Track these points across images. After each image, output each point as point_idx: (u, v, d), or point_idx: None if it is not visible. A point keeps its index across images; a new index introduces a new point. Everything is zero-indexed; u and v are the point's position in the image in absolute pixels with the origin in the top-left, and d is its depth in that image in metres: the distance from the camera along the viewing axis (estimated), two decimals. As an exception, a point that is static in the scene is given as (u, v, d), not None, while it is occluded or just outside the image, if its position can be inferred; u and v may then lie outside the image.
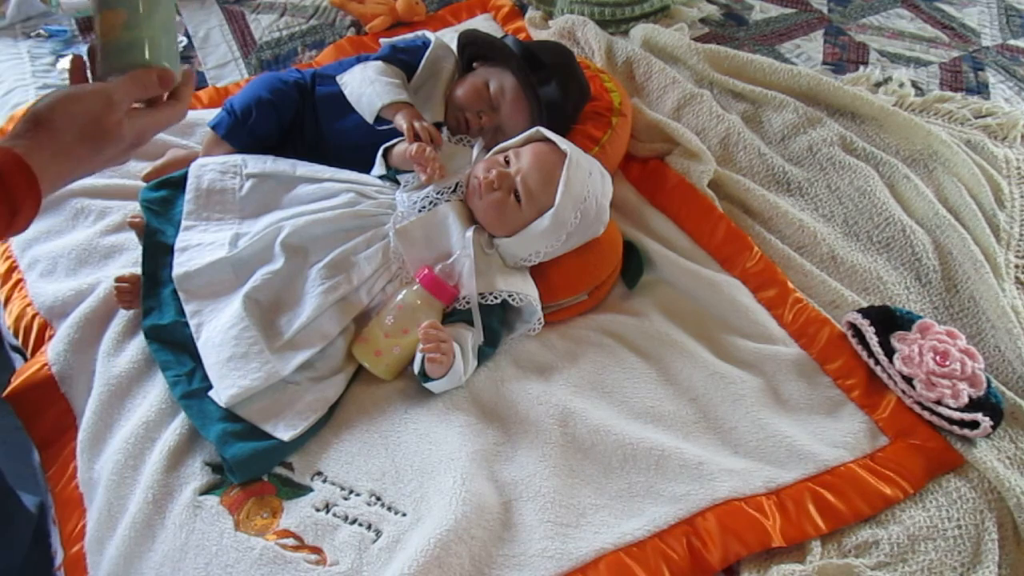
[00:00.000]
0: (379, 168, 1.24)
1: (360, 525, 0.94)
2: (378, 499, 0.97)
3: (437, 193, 1.17)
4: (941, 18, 1.93)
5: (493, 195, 1.13)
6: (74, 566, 0.95)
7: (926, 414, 1.09)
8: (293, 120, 1.31)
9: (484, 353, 1.12)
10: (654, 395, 1.11)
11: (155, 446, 1.00)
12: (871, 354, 1.14)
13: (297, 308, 1.08)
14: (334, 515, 0.95)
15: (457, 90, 1.31)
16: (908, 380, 1.11)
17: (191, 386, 1.03)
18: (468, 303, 1.11)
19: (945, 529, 0.99)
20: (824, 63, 1.77)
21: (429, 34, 1.42)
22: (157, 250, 1.13)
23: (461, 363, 1.06)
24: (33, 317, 1.16)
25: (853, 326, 1.17)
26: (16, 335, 1.18)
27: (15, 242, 1.26)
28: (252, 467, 0.97)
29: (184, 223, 1.14)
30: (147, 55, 0.79)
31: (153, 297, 1.11)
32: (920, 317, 1.18)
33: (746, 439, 1.07)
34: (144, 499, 0.95)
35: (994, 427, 1.07)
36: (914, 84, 1.70)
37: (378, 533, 0.93)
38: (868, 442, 1.07)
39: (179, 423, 1.01)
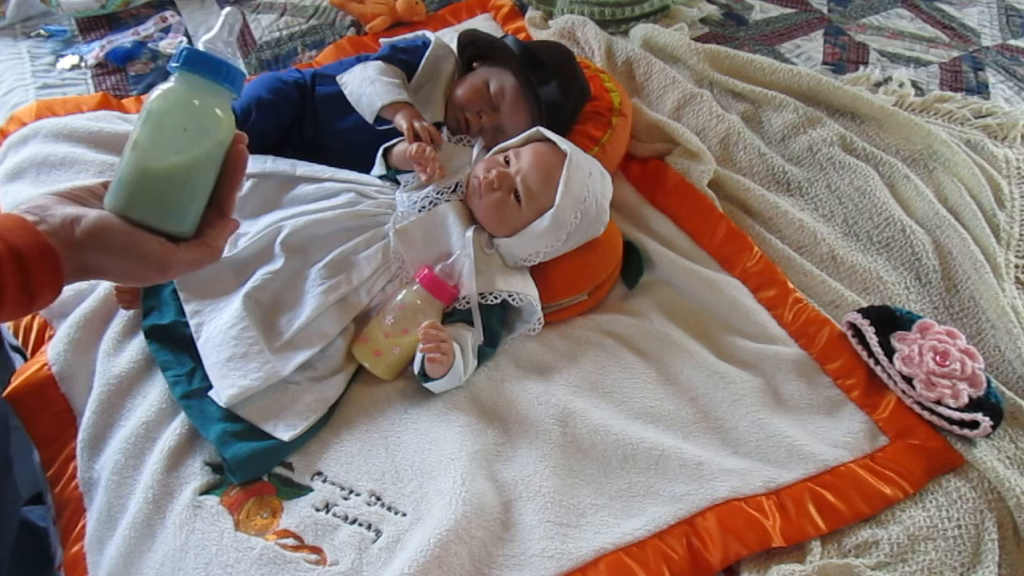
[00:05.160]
0: (379, 168, 1.24)
1: (360, 525, 0.94)
2: (378, 499, 0.97)
3: (437, 193, 1.17)
4: (941, 18, 1.93)
5: (493, 195, 1.13)
6: (74, 566, 0.94)
7: (926, 414, 1.09)
8: (293, 120, 1.31)
9: (484, 353, 1.12)
10: (654, 395, 1.11)
11: (155, 446, 1.00)
12: (871, 354, 1.14)
13: (297, 308, 1.08)
14: (334, 515, 0.95)
15: (457, 90, 1.31)
16: (908, 380, 1.11)
17: (191, 386, 1.03)
18: (468, 303, 1.11)
19: (945, 529, 0.99)
20: (824, 63, 1.77)
21: (429, 34, 1.42)
22: (157, 250, 1.12)
23: (461, 363, 1.05)
24: (33, 317, 1.16)
25: (853, 326, 1.17)
26: (16, 335, 1.18)
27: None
28: (252, 467, 0.97)
29: (184, 223, 1.14)
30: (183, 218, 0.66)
31: (153, 297, 1.11)
32: (920, 317, 1.18)
33: (746, 439, 1.07)
34: (144, 499, 0.95)
35: (994, 427, 1.07)
36: (914, 84, 1.69)
37: (378, 533, 0.93)
38: (868, 442, 1.07)
39: (179, 423, 1.01)
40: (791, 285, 1.25)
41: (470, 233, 1.13)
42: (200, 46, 0.66)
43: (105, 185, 0.66)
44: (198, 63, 0.65)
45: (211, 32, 0.67)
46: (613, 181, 1.26)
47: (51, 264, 0.61)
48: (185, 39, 1.73)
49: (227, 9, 0.70)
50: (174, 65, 0.66)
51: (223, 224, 0.69)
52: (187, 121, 0.65)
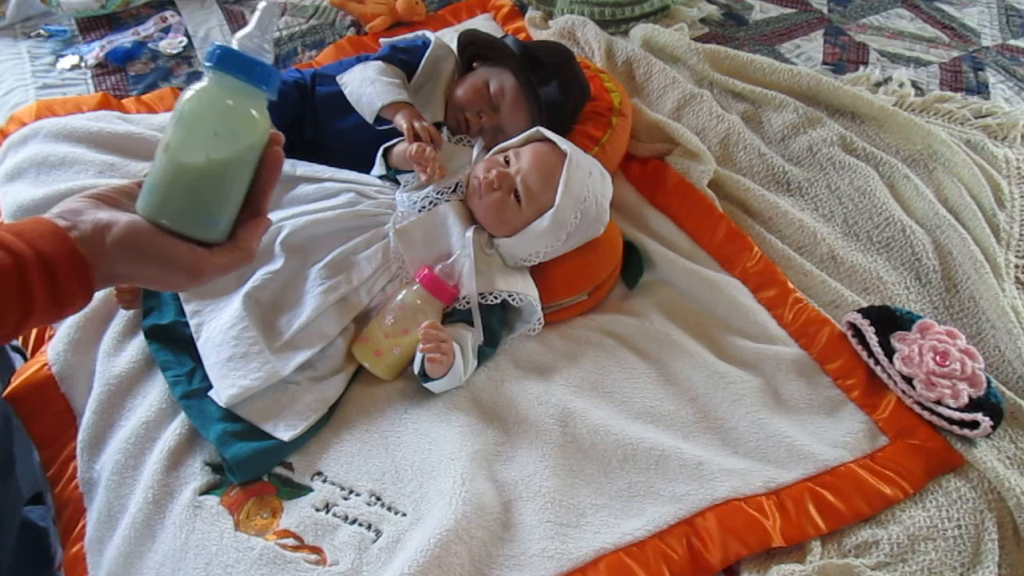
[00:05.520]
0: (379, 168, 1.24)
1: (360, 525, 0.94)
2: (378, 499, 0.97)
3: (437, 193, 1.17)
4: (941, 18, 1.93)
5: (493, 195, 1.13)
6: (74, 566, 0.94)
7: (926, 414, 1.09)
8: (293, 120, 1.31)
9: (484, 353, 1.12)
10: (654, 395, 1.11)
11: (155, 446, 1.00)
12: (871, 354, 1.14)
13: (297, 308, 1.08)
14: (334, 515, 0.95)
15: (457, 90, 1.31)
16: (908, 380, 1.11)
17: (191, 386, 1.03)
18: (468, 303, 1.11)
19: (945, 529, 0.99)
20: (824, 63, 1.77)
21: (429, 34, 1.42)
22: (157, 250, 1.12)
23: (461, 363, 1.05)
24: (33, 317, 1.16)
25: (853, 326, 1.17)
26: (16, 335, 1.18)
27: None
28: (252, 467, 0.97)
29: (184, 223, 1.14)
30: (218, 227, 0.63)
31: (153, 297, 1.11)
32: (920, 317, 1.18)
33: (746, 439, 1.07)
34: (144, 499, 0.95)
35: (994, 427, 1.07)
36: (914, 84, 1.69)
37: (378, 533, 0.93)
38: (868, 442, 1.07)
39: (179, 423, 1.01)
40: (791, 285, 1.25)
41: (470, 233, 1.13)
42: (234, 44, 0.62)
43: (140, 184, 0.65)
44: (231, 63, 0.62)
45: (246, 28, 0.63)
46: (613, 181, 1.26)
47: (81, 272, 0.60)
48: (185, 39, 1.73)
49: (263, 3, 0.64)
50: (207, 64, 0.62)
51: (255, 224, 0.67)
52: (219, 125, 0.62)
